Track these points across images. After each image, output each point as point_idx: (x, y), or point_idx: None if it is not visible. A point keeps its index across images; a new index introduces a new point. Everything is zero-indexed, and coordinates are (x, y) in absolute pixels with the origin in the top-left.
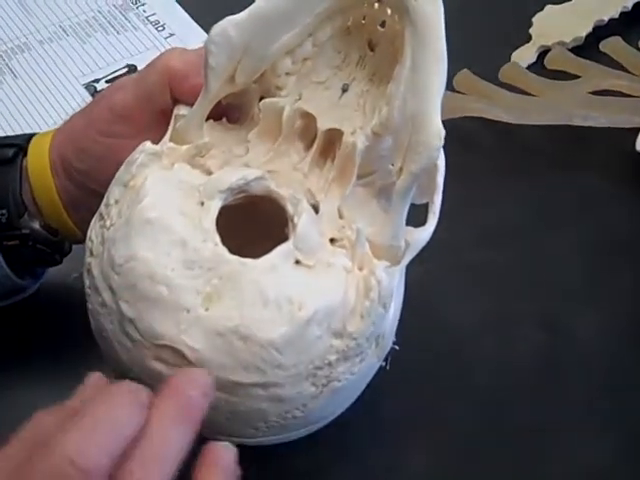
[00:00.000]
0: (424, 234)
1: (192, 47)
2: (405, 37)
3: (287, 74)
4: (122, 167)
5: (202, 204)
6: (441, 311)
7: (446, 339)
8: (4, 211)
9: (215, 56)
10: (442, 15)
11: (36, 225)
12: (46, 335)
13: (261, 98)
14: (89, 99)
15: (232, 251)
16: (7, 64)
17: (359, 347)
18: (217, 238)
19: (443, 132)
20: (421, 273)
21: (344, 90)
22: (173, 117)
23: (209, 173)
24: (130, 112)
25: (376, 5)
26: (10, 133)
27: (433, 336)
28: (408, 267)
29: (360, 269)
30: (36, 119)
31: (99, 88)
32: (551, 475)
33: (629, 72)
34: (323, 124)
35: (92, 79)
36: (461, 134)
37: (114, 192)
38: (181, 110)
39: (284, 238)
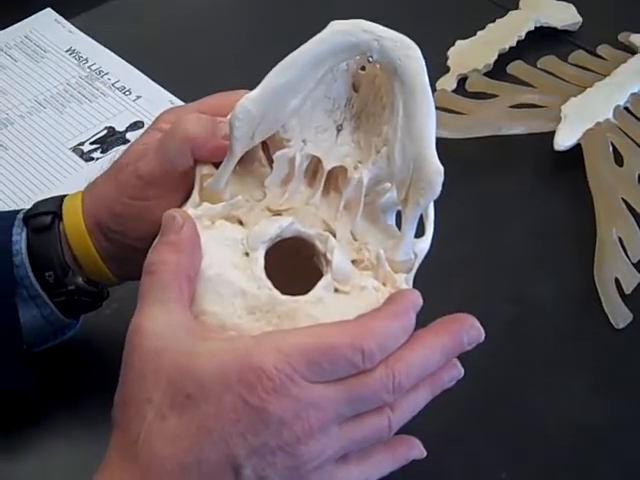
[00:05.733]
0: (426, 242)
1: (159, 106)
2: (394, 90)
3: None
4: None
5: (246, 254)
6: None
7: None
8: (51, 272)
9: (239, 129)
10: (425, 70)
11: (79, 280)
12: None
13: (263, 143)
14: (79, 161)
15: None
16: None
17: None
18: (269, 283)
19: (442, 169)
20: None
21: (339, 130)
22: (198, 177)
23: (240, 222)
24: (156, 178)
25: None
26: (9, 201)
27: (420, 315)
28: None
29: (384, 284)
30: (31, 185)
31: (86, 150)
32: (534, 420)
33: (533, 87)
34: (328, 163)
35: (77, 142)
36: None
37: None
38: (204, 170)
39: (309, 261)
